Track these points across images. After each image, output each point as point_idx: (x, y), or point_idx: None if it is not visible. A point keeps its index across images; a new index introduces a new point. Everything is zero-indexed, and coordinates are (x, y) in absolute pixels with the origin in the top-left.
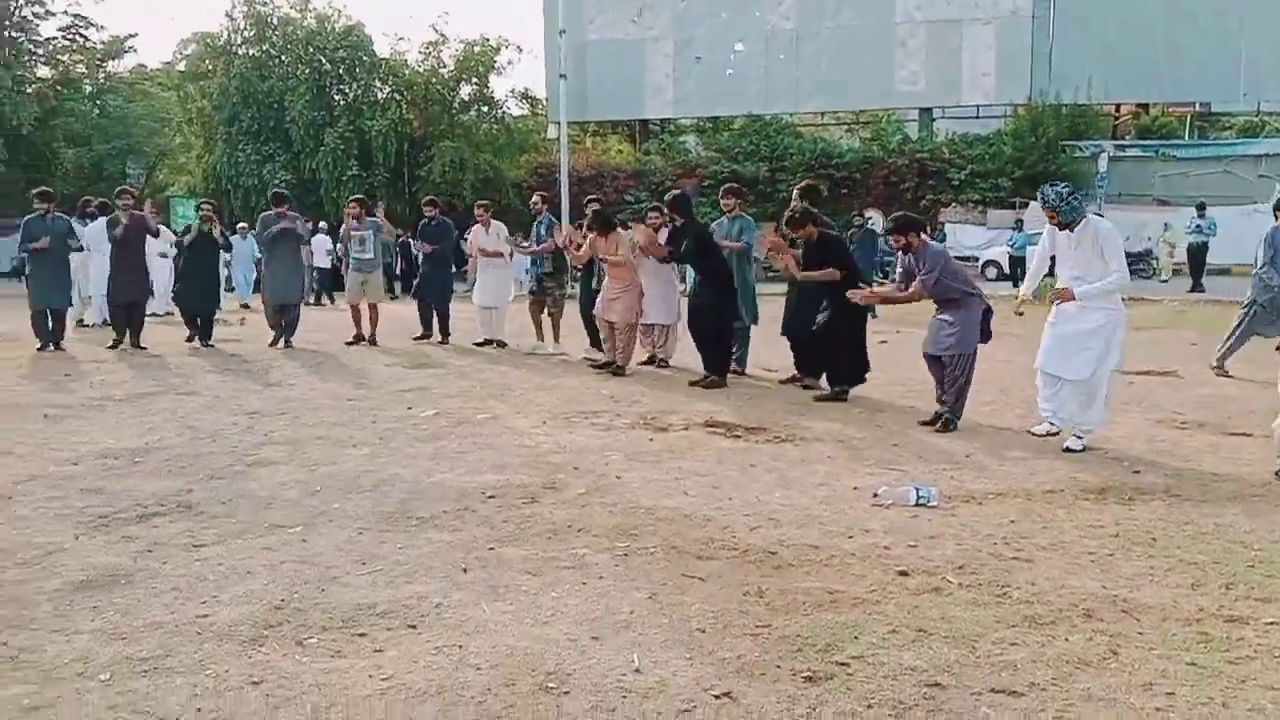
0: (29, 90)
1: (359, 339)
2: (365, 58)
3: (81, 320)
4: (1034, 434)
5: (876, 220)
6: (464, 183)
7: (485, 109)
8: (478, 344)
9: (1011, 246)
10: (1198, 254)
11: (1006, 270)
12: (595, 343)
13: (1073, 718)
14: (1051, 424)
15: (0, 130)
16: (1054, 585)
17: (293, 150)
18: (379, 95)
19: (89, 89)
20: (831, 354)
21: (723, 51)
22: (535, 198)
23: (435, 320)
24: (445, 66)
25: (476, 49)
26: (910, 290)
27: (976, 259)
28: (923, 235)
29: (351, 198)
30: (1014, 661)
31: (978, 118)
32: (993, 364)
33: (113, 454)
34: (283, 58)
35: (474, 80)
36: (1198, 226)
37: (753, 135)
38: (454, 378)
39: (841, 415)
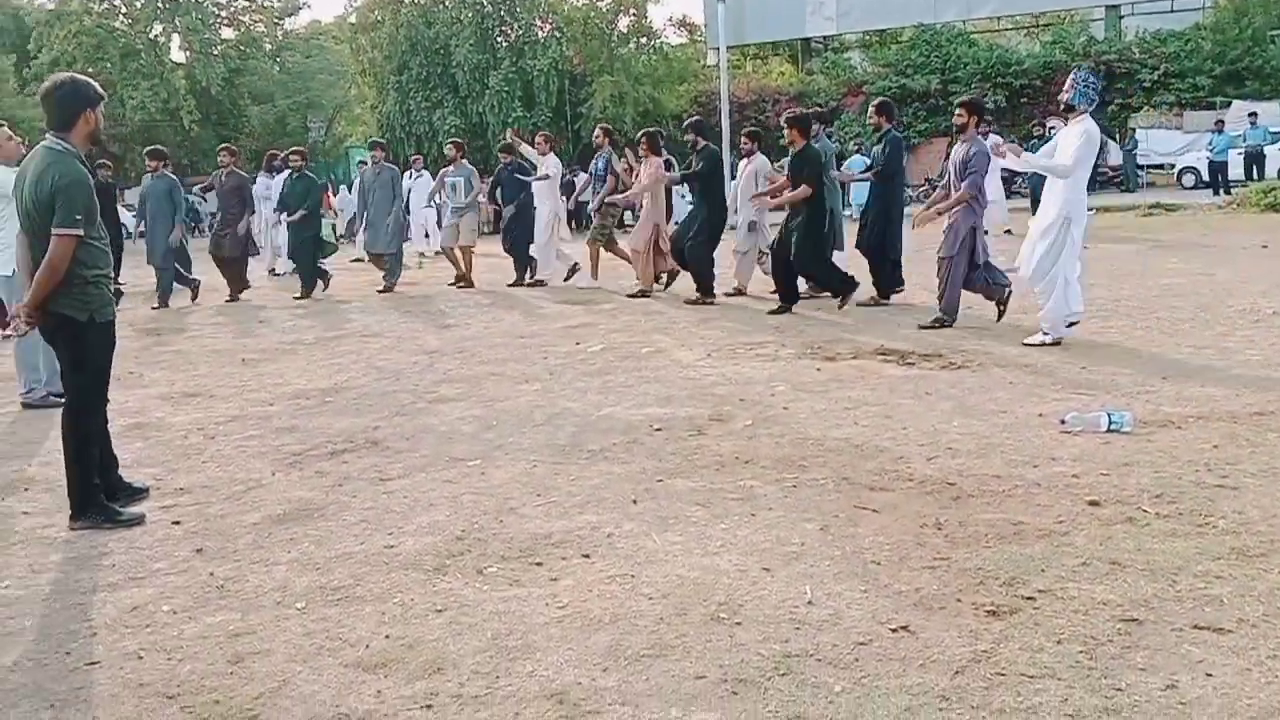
0: (215, 52)
1: (460, 280)
2: None
3: (273, 270)
4: (1028, 344)
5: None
6: (624, 117)
7: (644, 40)
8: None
9: (1211, 151)
10: None
11: (1205, 177)
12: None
13: None
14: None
15: (193, 92)
16: (1264, 515)
17: (460, 95)
18: (539, 34)
19: (269, 47)
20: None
21: None
22: (597, 131)
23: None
24: (603, 0)
25: None
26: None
27: (1172, 166)
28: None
29: (449, 139)
30: (1219, 596)
31: (1172, 11)
32: (1192, 279)
33: (305, 394)
34: (446, 3)
35: (632, 11)
36: None
37: (922, 47)
38: (618, 313)
39: (1020, 339)
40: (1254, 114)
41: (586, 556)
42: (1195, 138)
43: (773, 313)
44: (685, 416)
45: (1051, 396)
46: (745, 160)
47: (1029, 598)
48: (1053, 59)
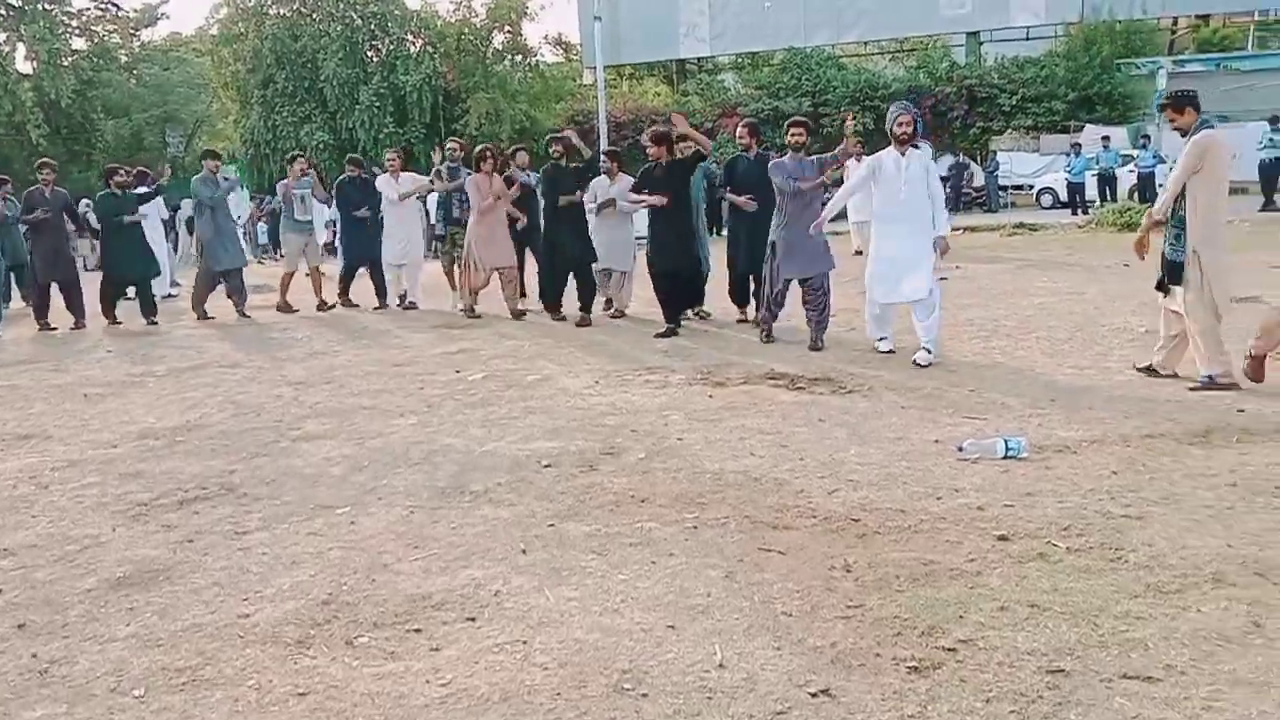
0: (65, 63)
1: (321, 304)
2: (396, 11)
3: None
4: (878, 349)
5: (926, 151)
6: (500, 134)
7: (519, 57)
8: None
9: (1069, 173)
10: (1270, 170)
11: (1063, 198)
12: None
13: (1222, 707)
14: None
15: (40, 104)
16: (1173, 546)
17: (329, 110)
18: (412, 49)
19: (125, 59)
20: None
21: None
22: (451, 143)
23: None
24: (477, 15)
25: None
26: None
27: (1031, 187)
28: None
29: (293, 153)
30: (1143, 640)
31: (1027, 39)
32: (1064, 299)
33: (153, 434)
34: (314, 16)
35: (507, 28)
36: (1271, 141)
37: (793, 69)
38: (500, 338)
39: (909, 362)
40: (1106, 137)
41: (472, 620)
42: (1052, 159)
43: (659, 335)
44: (576, 451)
45: (945, 421)
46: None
47: (950, 649)
48: (918, 83)
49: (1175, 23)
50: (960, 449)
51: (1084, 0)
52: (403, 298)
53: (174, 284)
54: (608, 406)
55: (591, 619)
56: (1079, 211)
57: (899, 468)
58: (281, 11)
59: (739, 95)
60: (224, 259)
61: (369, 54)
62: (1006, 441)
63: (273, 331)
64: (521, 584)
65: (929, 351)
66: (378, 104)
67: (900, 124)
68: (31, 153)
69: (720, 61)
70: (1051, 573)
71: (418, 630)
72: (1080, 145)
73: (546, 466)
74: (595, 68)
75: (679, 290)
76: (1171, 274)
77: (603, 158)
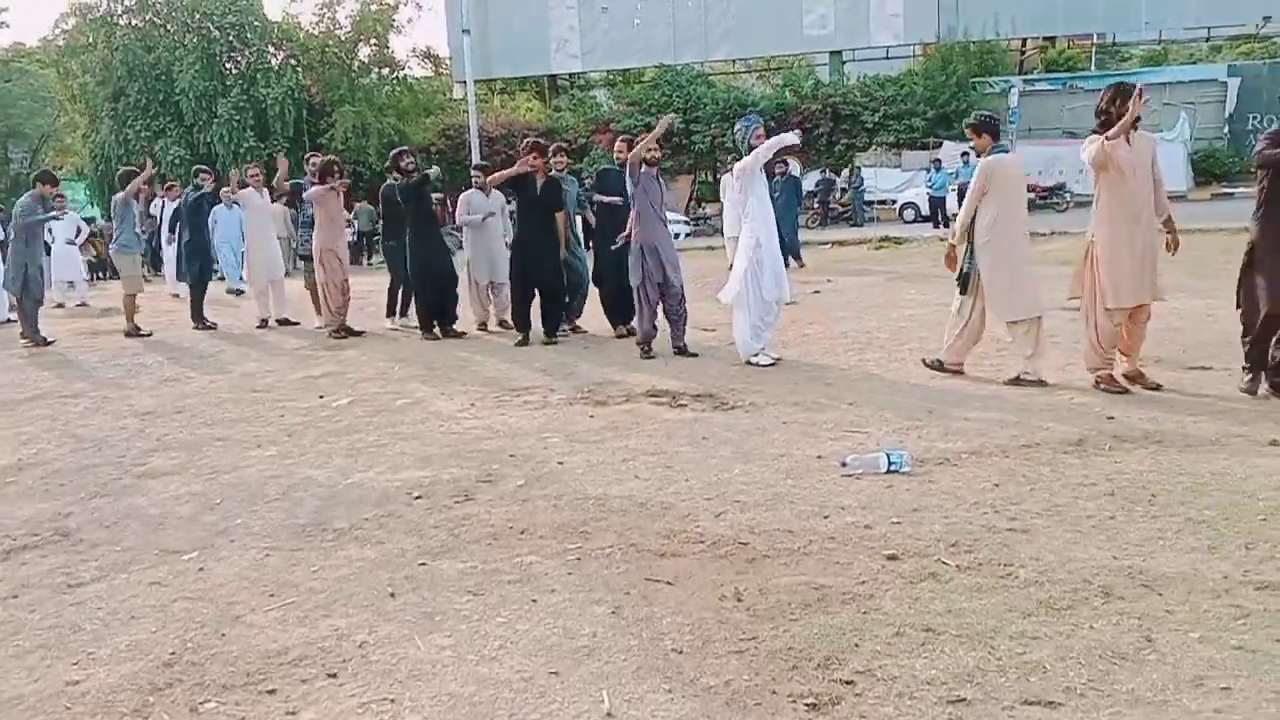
0: None
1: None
2: (256, 23)
3: None
4: (757, 363)
5: (795, 168)
6: (368, 148)
7: (386, 71)
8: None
9: (930, 187)
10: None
11: (925, 211)
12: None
13: None
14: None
15: None
16: (1060, 560)
17: (185, 124)
18: (273, 61)
19: None
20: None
21: (629, 1)
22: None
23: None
24: (341, 28)
25: (373, 7)
26: None
27: (894, 201)
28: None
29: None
30: (1040, 662)
31: (887, 58)
32: (933, 310)
33: None
34: (168, 26)
35: (373, 41)
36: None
37: (664, 86)
38: (369, 359)
39: (788, 376)
40: (966, 153)
41: (333, 676)
42: (913, 174)
43: (517, 344)
44: (449, 479)
45: (826, 436)
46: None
47: (848, 682)
48: (784, 100)
49: (1024, 45)
50: (844, 464)
51: (940, 21)
52: (266, 320)
53: (12, 308)
54: (484, 430)
55: (467, 669)
56: (941, 224)
57: (784, 486)
58: (133, 22)
59: (611, 111)
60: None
61: (228, 66)
62: (889, 456)
63: (121, 358)
64: (389, 632)
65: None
66: (237, 118)
67: (758, 136)
68: None
69: (592, 78)
70: (944, 593)
71: (272, 691)
72: (940, 161)
73: (417, 498)
74: (465, 81)
75: (545, 303)
76: (961, 282)
77: (474, 172)
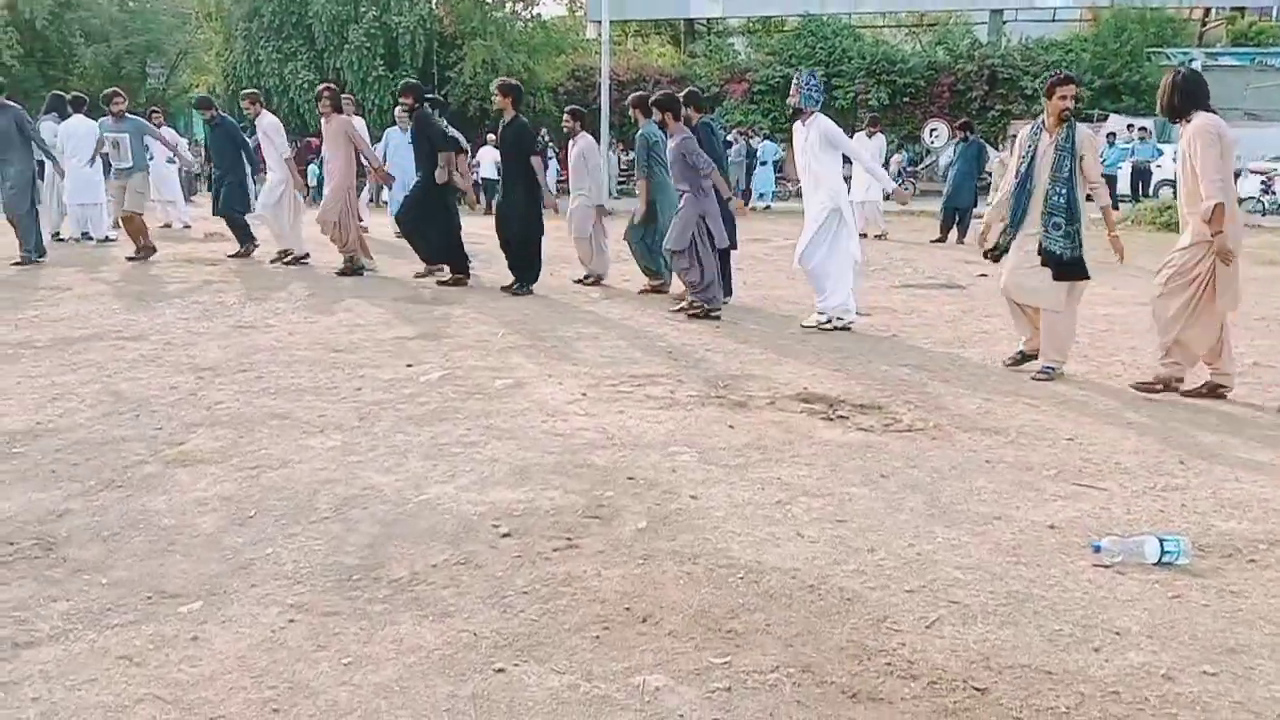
0: None
1: (139, 251)
2: None
3: (57, 234)
4: (805, 325)
5: (942, 133)
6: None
7: (520, 6)
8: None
9: (1103, 164)
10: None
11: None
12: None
13: None
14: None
15: (15, 24)
16: None
17: (316, 48)
18: None
19: None
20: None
21: None
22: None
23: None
24: None
25: None
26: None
27: None
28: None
29: (109, 90)
30: None
31: (1053, 20)
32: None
33: None
34: None
35: None
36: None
37: (808, 37)
38: (471, 317)
39: (972, 386)
40: (1144, 128)
41: None
42: None
43: (442, 283)
44: (549, 508)
45: (1049, 489)
46: (571, 142)
47: None
48: (936, 60)
49: (1206, 15)
50: (1097, 549)
51: None
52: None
53: (116, 224)
54: (596, 433)
55: None
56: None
57: (1016, 578)
58: None
59: (749, 61)
60: None
61: None
62: (1161, 542)
63: (203, 293)
64: None
65: (821, 315)
66: (368, 44)
67: (790, 100)
68: (5, 75)
69: (731, 24)
70: None
71: None
72: (1115, 135)
73: (505, 535)
74: (600, 21)
75: (517, 258)
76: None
77: (565, 116)
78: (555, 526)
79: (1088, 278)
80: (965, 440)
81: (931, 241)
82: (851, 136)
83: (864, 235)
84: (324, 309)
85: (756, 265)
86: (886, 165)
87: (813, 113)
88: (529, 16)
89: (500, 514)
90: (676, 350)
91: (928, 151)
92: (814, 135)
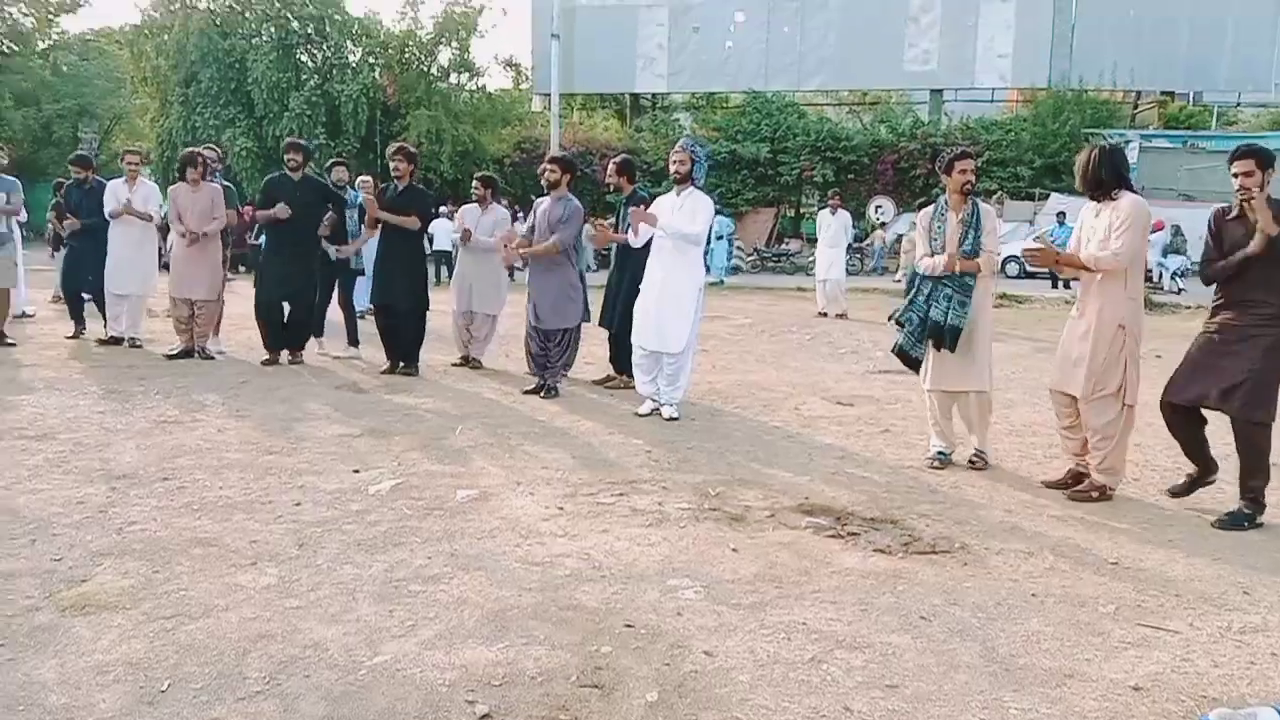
0: None
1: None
2: (336, 17)
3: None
4: (640, 414)
5: (888, 209)
6: (441, 155)
7: (466, 76)
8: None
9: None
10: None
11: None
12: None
13: None
14: (654, 400)
15: None
16: None
17: (255, 115)
18: (350, 58)
19: (41, 45)
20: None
21: (722, 22)
22: (209, 150)
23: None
24: (423, 28)
25: (457, 9)
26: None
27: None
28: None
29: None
30: None
31: (991, 101)
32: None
33: None
34: (246, 14)
35: (454, 44)
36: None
37: (753, 113)
38: (425, 409)
39: (989, 492)
40: (1062, 213)
41: None
42: (1014, 227)
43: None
44: (535, 674)
45: (1114, 633)
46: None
47: None
48: (880, 137)
49: (1137, 99)
50: None
51: (1052, 66)
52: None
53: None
54: (580, 561)
55: None
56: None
57: None
58: (211, 6)
59: (694, 136)
60: None
61: (303, 59)
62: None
63: (124, 381)
64: None
65: (672, 406)
66: (309, 113)
67: (675, 160)
68: None
69: (675, 99)
70: None
71: None
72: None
73: (484, 718)
74: (547, 94)
75: (398, 331)
76: None
77: (475, 183)
78: (545, 701)
79: (916, 368)
80: (1000, 566)
81: (889, 319)
82: (800, 214)
83: (824, 314)
84: (257, 399)
85: (722, 346)
86: (859, 242)
87: (691, 184)
88: (474, 88)
89: (475, 683)
90: (654, 446)
91: (873, 227)
92: (702, 206)
